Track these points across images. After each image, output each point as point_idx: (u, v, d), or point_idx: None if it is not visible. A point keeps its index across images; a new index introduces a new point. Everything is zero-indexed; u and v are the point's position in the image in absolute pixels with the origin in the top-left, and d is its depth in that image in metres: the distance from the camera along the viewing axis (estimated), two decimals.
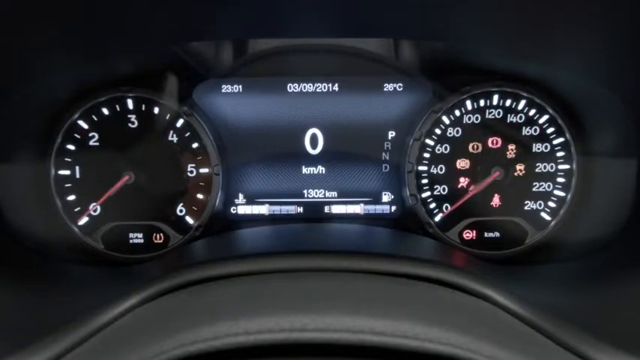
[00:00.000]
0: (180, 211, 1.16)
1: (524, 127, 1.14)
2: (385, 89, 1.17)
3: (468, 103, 1.14)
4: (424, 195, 1.17)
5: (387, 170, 1.20)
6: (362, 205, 1.21)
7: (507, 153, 1.14)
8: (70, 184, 1.14)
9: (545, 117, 1.13)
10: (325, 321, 0.58)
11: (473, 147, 1.15)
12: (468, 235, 1.17)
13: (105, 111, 1.13)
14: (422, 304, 0.66)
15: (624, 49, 0.87)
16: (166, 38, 0.98)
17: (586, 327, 0.68)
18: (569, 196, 1.14)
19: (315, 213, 1.21)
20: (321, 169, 1.20)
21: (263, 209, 1.20)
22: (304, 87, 1.17)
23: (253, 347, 0.57)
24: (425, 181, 1.16)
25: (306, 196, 1.21)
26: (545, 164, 1.14)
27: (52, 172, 1.13)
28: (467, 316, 0.66)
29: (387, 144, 1.19)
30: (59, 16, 0.78)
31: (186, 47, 1.06)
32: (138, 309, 0.72)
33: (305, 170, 1.20)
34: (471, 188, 1.15)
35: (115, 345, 0.64)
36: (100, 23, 0.83)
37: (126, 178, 1.13)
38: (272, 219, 1.20)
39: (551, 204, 1.15)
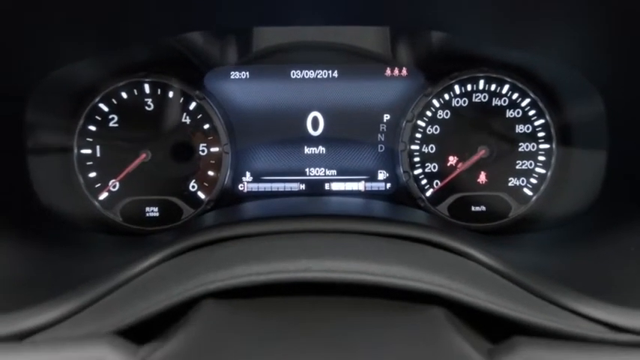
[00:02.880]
0: (193, 186, 1.25)
1: (507, 110, 1.23)
2: (381, 77, 1.26)
3: (456, 88, 1.23)
4: (416, 172, 1.26)
5: (383, 150, 1.29)
6: (359, 182, 1.30)
7: (492, 133, 1.23)
8: (91, 162, 1.23)
9: (527, 100, 1.22)
10: (326, 264, 0.68)
11: (461, 128, 1.24)
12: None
13: (124, 95, 1.22)
14: (411, 255, 0.75)
15: (600, 42, 0.95)
16: (167, 28, 1.07)
17: (561, 280, 0.75)
18: (549, 173, 1.23)
19: (316, 190, 1.29)
20: (321, 149, 1.29)
21: (268, 186, 1.29)
22: (306, 74, 1.26)
23: (264, 285, 0.66)
24: (417, 159, 1.25)
25: (307, 174, 1.29)
26: (527, 144, 1.23)
27: (75, 151, 1.22)
28: (450, 264, 0.75)
29: (382, 126, 1.27)
30: (79, 11, 0.87)
31: (190, 44, 1.15)
32: (159, 266, 0.80)
33: (307, 150, 1.29)
34: (459, 166, 1.24)
35: (144, 289, 0.72)
36: (116, 16, 0.93)
37: (143, 156, 1.21)
38: (276, 195, 1.29)
39: (533, 180, 1.24)
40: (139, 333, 0.64)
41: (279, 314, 0.64)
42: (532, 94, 1.22)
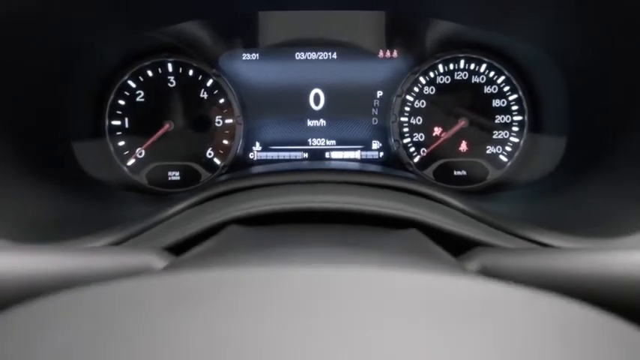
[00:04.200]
0: (210, 154, 1.41)
1: (485, 86, 1.38)
2: (375, 58, 1.42)
3: (440, 67, 1.39)
4: (405, 141, 1.42)
5: (376, 123, 1.44)
6: (356, 151, 1.46)
7: (472, 107, 1.39)
8: (120, 133, 1.38)
9: (502, 78, 1.37)
10: (328, 197, 0.85)
11: (444, 102, 1.39)
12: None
13: (149, 73, 1.37)
14: (396, 196, 0.92)
15: (564, 28, 1.10)
16: (171, 17, 1.23)
17: (527, 222, 0.90)
18: (521, 142, 1.39)
19: (317, 158, 1.44)
20: (322, 122, 1.43)
21: (275, 155, 1.45)
22: (309, 55, 1.41)
23: (279, 214, 0.83)
24: (406, 129, 1.41)
25: (310, 144, 1.44)
26: (503, 116, 1.39)
27: (106, 122, 1.37)
28: (429, 204, 0.93)
29: (376, 101, 1.43)
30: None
31: (198, 39, 1.32)
32: (186, 211, 0.97)
33: (309, 123, 1.43)
34: (443, 135, 1.39)
35: (176, 224, 0.89)
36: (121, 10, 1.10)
37: (166, 127, 1.36)
38: (282, 162, 1.45)
39: (508, 148, 1.39)
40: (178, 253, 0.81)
41: (291, 232, 0.81)
42: (507, 73, 1.38)
